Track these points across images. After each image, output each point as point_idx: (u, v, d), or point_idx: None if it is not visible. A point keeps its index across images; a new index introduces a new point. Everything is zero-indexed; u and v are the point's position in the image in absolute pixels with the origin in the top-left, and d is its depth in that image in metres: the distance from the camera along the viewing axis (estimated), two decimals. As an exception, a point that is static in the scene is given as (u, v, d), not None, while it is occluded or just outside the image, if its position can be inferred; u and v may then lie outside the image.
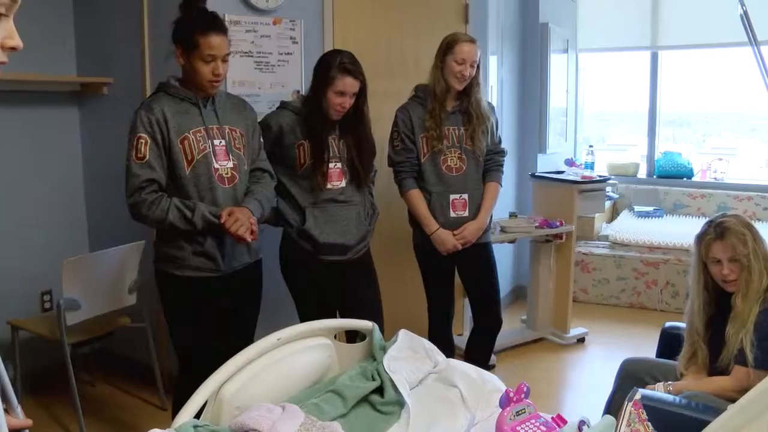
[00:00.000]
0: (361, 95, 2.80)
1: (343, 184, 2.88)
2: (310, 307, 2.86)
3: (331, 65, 2.74)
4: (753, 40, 3.46)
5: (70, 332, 3.06)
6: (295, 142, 2.81)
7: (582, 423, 1.98)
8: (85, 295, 3.07)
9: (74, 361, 3.11)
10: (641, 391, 2.36)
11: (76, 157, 3.91)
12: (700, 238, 2.49)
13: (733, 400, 2.20)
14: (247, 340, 2.35)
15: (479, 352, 3.35)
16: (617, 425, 1.77)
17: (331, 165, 2.83)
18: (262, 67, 3.34)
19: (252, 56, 3.29)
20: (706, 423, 2.18)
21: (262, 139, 2.75)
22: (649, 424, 1.78)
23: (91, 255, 3.37)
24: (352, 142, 2.87)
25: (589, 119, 7.39)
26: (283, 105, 2.90)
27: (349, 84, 2.73)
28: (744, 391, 2.18)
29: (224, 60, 2.47)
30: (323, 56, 2.85)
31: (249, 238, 2.49)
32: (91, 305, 3.12)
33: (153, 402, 3.53)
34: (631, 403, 1.77)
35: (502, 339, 4.22)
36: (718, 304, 2.51)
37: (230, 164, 2.54)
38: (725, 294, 2.46)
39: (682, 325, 2.70)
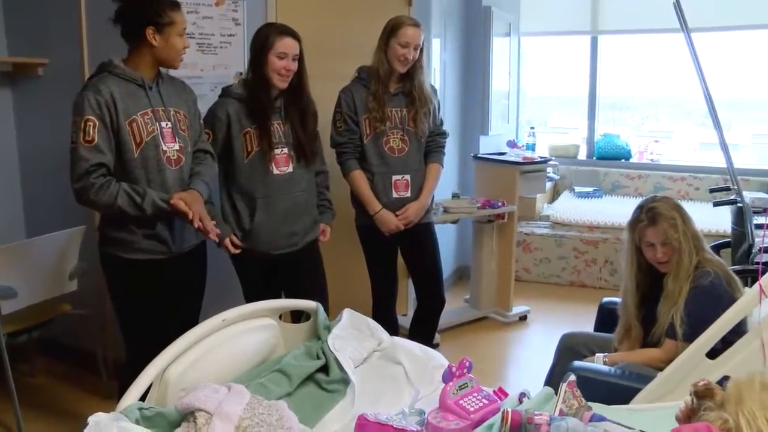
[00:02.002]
0: (300, 62, 2.82)
1: (291, 168, 2.88)
2: (255, 288, 2.86)
3: (269, 32, 2.77)
4: (684, 27, 3.57)
5: (6, 321, 2.98)
6: (241, 130, 2.80)
7: (522, 395, 2.05)
8: (22, 283, 2.99)
9: (12, 351, 3.02)
10: (579, 363, 2.47)
11: (9, 141, 3.79)
12: (633, 224, 2.60)
13: (661, 370, 2.32)
14: (194, 321, 2.34)
15: (423, 332, 3.40)
16: (555, 403, 1.85)
17: (277, 150, 2.83)
18: (204, 48, 3.30)
19: (194, 38, 3.25)
20: (638, 390, 2.30)
21: (202, 122, 2.75)
22: (582, 398, 1.86)
23: (27, 241, 3.29)
24: (296, 117, 2.87)
25: (531, 102, 7.52)
26: (226, 93, 2.87)
27: (290, 44, 2.74)
28: (671, 361, 2.31)
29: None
30: (258, 29, 2.85)
31: (215, 238, 2.54)
32: (28, 293, 3.03)
33: (97, 390, 3.48)
34: (565, 384, 1.87)
35: (446, 318, 4.30)
36: (650, 284, 2.62)
37: (177, 146, 2.53)
38: (657, 274, 2.58)
39: (618, 300, 2.80)
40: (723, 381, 2.05)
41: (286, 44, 2.74)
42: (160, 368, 1.94)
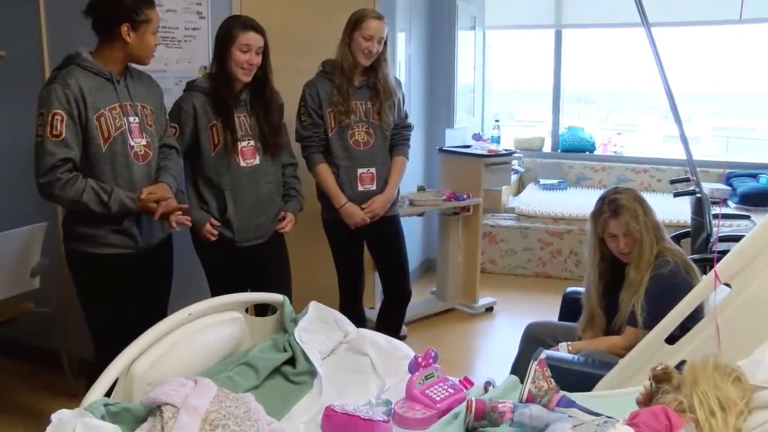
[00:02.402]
0: (265, 56, 2.81)
1: (257, 161, 2.88)
2: (221, 282, 2.86)
3: (232, 25, 2.77)
4: (645, 22, 3.62)
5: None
6: (207, 123, 2.79)
7: (487, 383, 2.08)
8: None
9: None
10: (545, 351, 2.50)
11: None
12: (595, 216, 2.65)
13: (623, 357, 2.38)
14: (161, 315, 2.33)
15: (390, 324, 3.42)
16: (524, 383, 1.88)
17: (243, 143, 2.83)
18: (168, 42, 3.27)
19: (158, 31, 3.21)
20: (601, 377, 2.35)
21: (167, 116, 2.73)
22: (552, 380, 1.89)
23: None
24: (261, 109, 2.87)
25: (498, 96, 7.57)
26: (190, 87, 2.86)
27: (253, 38, 2.74)
28: (632, 348, 2.36)
29: None
30: (222, 23, 2.84)
31: (176, 227, 2.54)
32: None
33: (62, 390, 3.41)
34: (536, 363, 1.89)
35: (413, 310, 4.34)
36: (613, 273, 2.67)
37: (144, 141, 2.51)
38: (619, 264, 2.63)
39: (582, 289, 2.85)
40: (681, 365, 2.11)
41: (250, 38, 2.73)
42: (126, 363, 1.94)
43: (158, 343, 2.05)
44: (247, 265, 2.94)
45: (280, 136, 2.96)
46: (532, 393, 1.85)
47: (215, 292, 2.80)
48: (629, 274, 2.55)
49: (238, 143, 2.82)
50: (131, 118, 2.47)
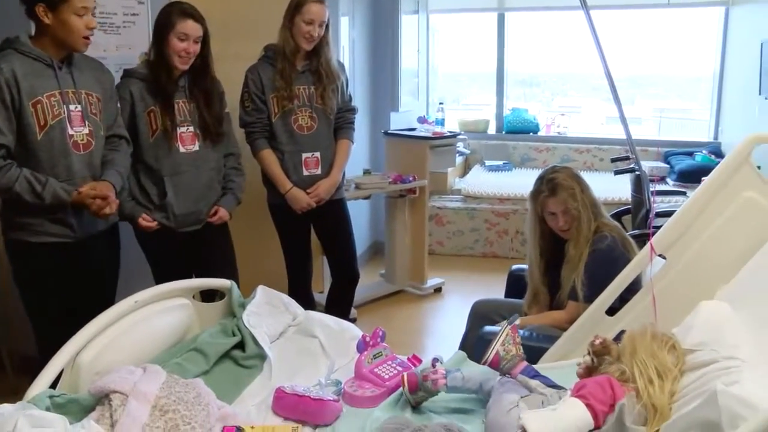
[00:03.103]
0: (204, 45, 2.78)
1: (197, 147, 2.85)
2: (166, 270, 2.82)
3: (171, 12, 2.72)
4: (584, 5, 3.69)
5: None
6: (145, 110, 2.75)
7: (435, 360, 2.12)
8: None
9: None
10: (490, 328, 2.56)
11: None
12: (535, 195, 2.71)
13: (566, 330, 2.45)
14: (108, 304, 2.30)
15: (339, 307, 3.44)
16: (493, 344, 1.90)
17: (182, 129, 2.80)
18: (106, 28, 3.20)
19: (95, 16, 3.12)
20: (546, 350, 2.42)
21: (119, 105, 2.68)
22: (521, 347, 1.93)
23: None
24: (201, 97, 2.84)
25: (444, 79, 7.63)
26: (128, 74, 2.81)
27: (191, 27, 2.70)
28: (575, 321, 2.44)
29: (93, 13, 2.39)
30: (161, 9, 2.80)
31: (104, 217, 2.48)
32: None
33: (2, 387, 3.30)
34: (509, 327, 1.93)
35: (362, 293, 4.37)
36: (553, 251, 2.74)
37: (86, 130, 2.44)
38: (560, 241, 2.70)
39: (526, 267, 2.91)
40: (620, 335, 2.19)
41: (188, 26, 2.69)
42: (71, 354, 1.92)
43: (105, 331, 2.04)
44: (189, 252, 2.91)
45: (221, 124, 2.92)
46: (499, 354, 1.87)
47: (159, 280, 2.77)
48: (569, 251, 2.62)
49: (177, 129, 2.78)
50: (72, 106, 2.40)
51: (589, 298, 2.46)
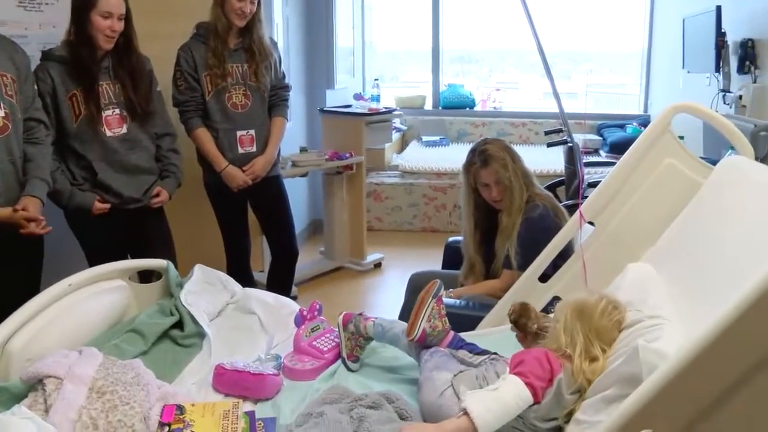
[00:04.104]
0: (127, 22, 2.69)
1: (125, 129, 2.77)
2: (100, 253, 2.74)
3: None
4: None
5: None
6: (67, 94, 2.65)
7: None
8: None
9: None
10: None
11: None
12: (467, 167, 2.75)
13: (501, 298, 2.51)
14: (35, 291, 2.24)
15: (280, 285, 3.45)
16: (419, 320, 1.89)
17: (108, 112, 2.72)
18: (26, 4, 3.10)
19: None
20: (482, 318, 2.47)
21: (36, 86, 2.57)
22: (446, 319, 1.94)
23: None
24: (126, 77, 2.75)
25: (383, 57, 7.64)
26: (46, 56, 2.69)
27: (114, 4, 2.60)
28: (509, 289, 2.50)
29: None
30: None
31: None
32: None
33: None
34: (434, 300, 1.92)
35: (303, 271, 4.39)
36: (488, 221, 2.79)
37: (1, 113, 2.35)
38: (493, 212, 2.75)
39: (462, 239, 2.96)
40: (554, 301, 2.26)
41: (111, 4, 2.59)
42: (1, 341, 1.87)
43: (37, 316, 1.99)
44: (124, 233, 2.85)
45: (150, 102, 2.84)
46: (426, 332, 1.87)
47: (93, 263, 2.69)
48: (502, 221, 2.67)
49: (103, 112, 2.70)
50: None
51: (523, 266, 2.52)
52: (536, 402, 1.57)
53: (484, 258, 2.81)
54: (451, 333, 1.93)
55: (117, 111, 2.74)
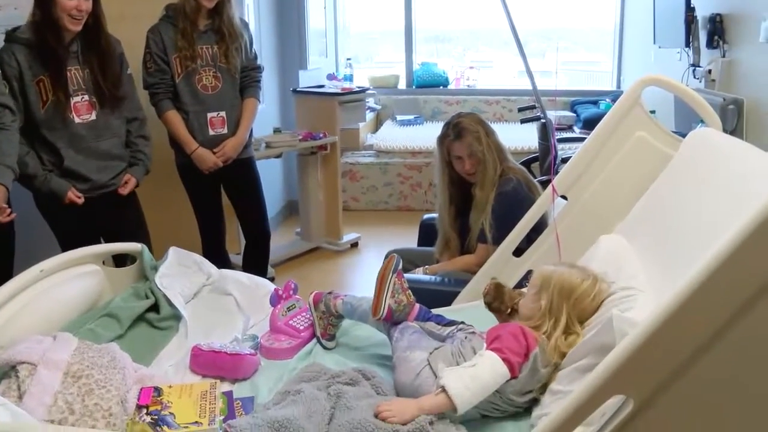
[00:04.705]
0: (95, 1, 2.61)
1: (94, 116, 2.71)
2: (72, 238, 2.69)
3: None
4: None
5: None
6: (33, 79, 2.57)
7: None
8: None
9: None
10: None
11: None
12: (441, 140, 2.76)
13: (476, 273, 2.53)
14: (5, 278, 2.21)
15: (256, 266, 3.44)
16: (383, 298, 1.89)
17: (77, 98, 2.66)
18: (-14, -16, 3.02)
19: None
20: (457, 293, 2.49)
21: (1, 70, 2.51)
22: (410, 291, 1.94)
23: None
24: (95, 61, 2.69)
25: (357, 38, 7.58)
26: (11, 38, 2.60)
27: None
28: (484, 264, 2.52)
29: None
30: None
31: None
32: None
33: None
34: (394, 275, 1.92)
35: (279, 252, 4.39)
36: (462, 196, 2.80)
37: None
38: (468, 186, 2.75)
39: (437, 216, 2.97)
40: (528, 274, 2.28)
41: None
42: (-30, 331, 1.84)
43: (9, 303, 1.97)
44: (97, 218, 2.80)
45: (120, 86, 2.78)
46: (392, 308, 1.88)
47: (66, 248, 2.66)
48: (476, 195, 2.68)
49: (71, 98, 2.64)
50: None
51: (497, 240, 2.53)
52: (513, 377, 1.59)
53: (459, 233, 2.83)
54: (417, 305, 1.94)
55: (86, 97, 2.69)
